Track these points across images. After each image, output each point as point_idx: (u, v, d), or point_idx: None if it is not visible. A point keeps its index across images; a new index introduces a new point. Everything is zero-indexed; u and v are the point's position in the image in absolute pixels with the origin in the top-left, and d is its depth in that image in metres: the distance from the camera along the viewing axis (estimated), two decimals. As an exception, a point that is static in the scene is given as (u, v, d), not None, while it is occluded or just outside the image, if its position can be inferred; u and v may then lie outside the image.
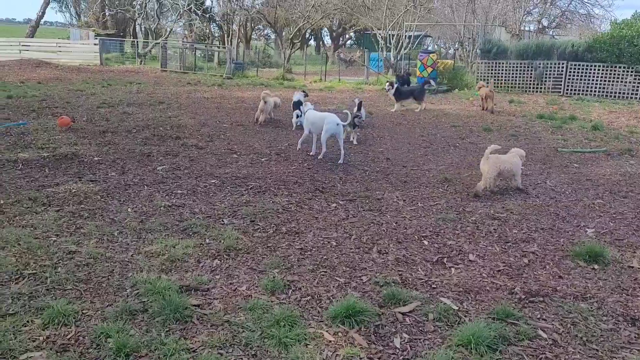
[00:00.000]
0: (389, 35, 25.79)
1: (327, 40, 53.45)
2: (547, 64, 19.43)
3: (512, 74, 20.19)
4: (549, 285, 4.36)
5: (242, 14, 29.78)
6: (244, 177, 7.49)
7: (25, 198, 5.98)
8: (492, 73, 20.57)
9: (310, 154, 8.96)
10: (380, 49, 26.18)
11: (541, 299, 4.12)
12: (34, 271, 4.21)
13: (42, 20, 38.16)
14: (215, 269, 4.43)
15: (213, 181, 7.19)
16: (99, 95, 15.56)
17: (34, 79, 19.33)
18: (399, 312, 3.81)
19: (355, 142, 10.08)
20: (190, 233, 5.20)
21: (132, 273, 4.25)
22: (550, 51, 19.48)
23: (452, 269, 4.63)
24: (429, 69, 20.55)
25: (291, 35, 27.93)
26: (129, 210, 5.80)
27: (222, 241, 4.96)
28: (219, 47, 32.46)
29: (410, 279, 4.39)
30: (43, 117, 11.50)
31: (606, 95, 18.47)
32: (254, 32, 43.67)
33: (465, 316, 3.81)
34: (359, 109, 11.44)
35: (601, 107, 16.24)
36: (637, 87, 18.11)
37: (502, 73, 20.40)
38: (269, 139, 10.37)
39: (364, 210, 6.15)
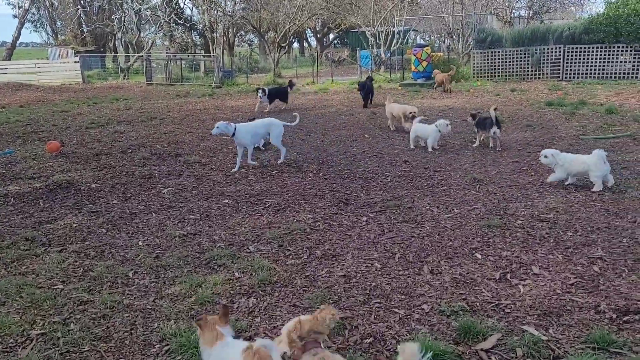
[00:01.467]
0: (378, 31, 25.27)
1: (312, 41, 53.00)
2: (544, 49, 19.00)
3: (509, 62, 19.75)
4: (635, 298, 3.81)
5: (226, 20, 29.09)
6: (258, 193, 6.89)
7: (21, 238, 5.33)
8: (488, 62, 20.12)
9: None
10: (370, 46, 25.66)
11: (635, 316, 3.56)
12: (43, 331, 3.58)
13: (17, 42, 37.19)
14: (253, 310, 3.82)
15: (226, 201, 6.58)
16: (86, 115, 14.87)
17: (15, 103, 18.56)
18: (482, 350, 3.23)
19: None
20: (215, 266, 4.59)
21: (158, 323, 3.64)
22: (545, 36, 19.07)
23: (520, 287, 4.07)
24: (424, 63, 20.07)
25: (278, 38, 27.31)
26: (140, 243, 5.18)
27: (254, 274, 4.36)
28: (204, 56, 31.79)
29: (477, 304, 3.82)
30: (30, 143, 10.81)
31: (606, 77, 18.09)
32: (236, 38, 43.02)
33: (558, 347, 3.24)
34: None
35: (605, 89, 15.82)
36: (637, 66, 17.72)
37: (498, 62, 19.95)
38: (275, 148, 9.77)
39: (398, 223, 5.57)
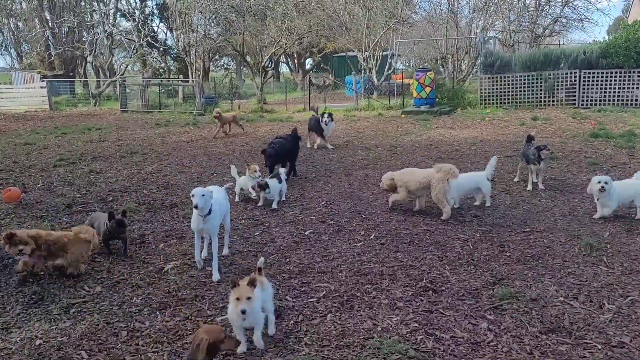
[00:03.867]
0: (371, 55, 23.77)
1: (284, 67, 51.42)
2: (558, 74, 17.66)
3: (520, 88, 18.32)
4: None
5: (208, 43, 27.22)
6: (300, 271, 4.94)
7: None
8: (497, 88, 18.67)
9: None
10: (362, 71, 24.09)
11: None
12: None
13: (-21, 66, 34.53)
14: None
15: (259, 287, 4.60)
16: (53, 149, 12.66)
17: (-29, 134, 16.18)
18: None
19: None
20: None
21: None
22: (559, 60, 17.75)
23: None
24: (428, 89, 18.48)
25: (263, 63, 25.57)
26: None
27: None
28: (182, 81, 29.78)
29: None
30: (-18, 188, 8.61)
31: (626, 104, 16.79)
32: (211, 63, 41.11)
33: None
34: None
35: (638, 118, 14.43)
36: (660, 92, 16.52)
37: (508, 88, 18.51)
38: (295, 195, 7.83)
39: (540, 333, 3.68)
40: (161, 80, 27.95)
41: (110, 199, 7.89)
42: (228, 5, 25.76)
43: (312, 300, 4.35)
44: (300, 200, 7.50)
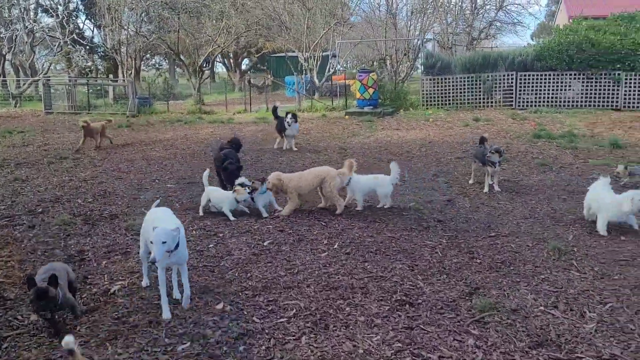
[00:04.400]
0: (312, 56, 23.50)
1: (222, 66, 50.24)
2: (496, 76, 18.10)
3: (460, 89, 18.64)
4: None
5: (140, 41, 25.96)
6: (264, 287, 4.55)
7: None
8: (438, 90, 18.91)
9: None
10: (304, 71, 23.78)
11: None
12: None
13: None
14: None
15: (219, 305, 4.18)
16: (-29, 155, 11.52)
17: None
18: None
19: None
20: None
21: None
22: (497, 62, 18.19)
23: None
24: (371, 90, 18.44)
25: (200, 62, 24.67)
26: None
27: None
28: (113, 81, 28.32)
29: None
30: None
31: (559, 105, 17.45)
32: (142, 62, 39.46)
33: None
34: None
35: (573, 118, 14.97)
36: (590, 93, 17.26)
37: (448, 89, 18.78)
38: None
39: (530, 348, 3.48)
40: (88, 80, 26.37)
41: (40, 210, 7.15)
42: (161, 1, 24.71)
43: (282, 320, 3.97)
44: (255, 209, 7.06)
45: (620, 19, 17.60)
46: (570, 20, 21.94)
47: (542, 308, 4.01)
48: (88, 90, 23.85)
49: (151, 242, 3.81)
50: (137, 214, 6.89)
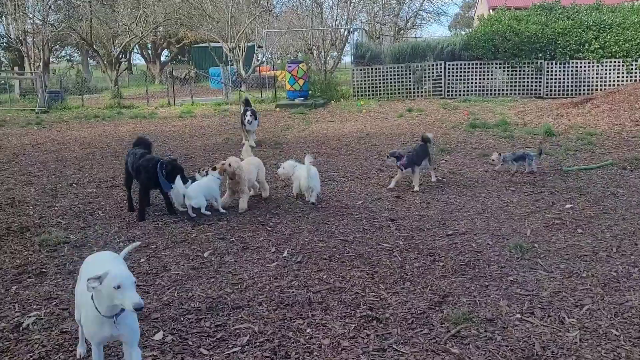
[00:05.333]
0: (238, 46, 22.67)
1: (139, 57, 47.73)
2: (425, 65, 18.17)
3: (390, 79, 18.57)
4: None
5: (48, 30, 23.93)
6: (209, 307, 3.98)
7: None
8: (368, 80, 18.74)
9: None
10: (230, 63, 22.90)
11: None
12: None
13: None
14: None
15: (158, 337, 3.56)
16: None
17: None
18: None
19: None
20: None
21: None
22: (425, 52, 18.26)
23: None
24: (301, 81, 17.98)
25: (116, 53, 23.10)
26: None
27: None
28: (18, 74, 26.00)
29: None
30: None
31: (486, 94, 17.82)
32: (51, 54, 36.64)
33: None
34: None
35: (503, 107, 15.23)
36: (514, 82, 17.72)
37: (379, 79, 18.66)
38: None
39: (515, 364, 3.15)
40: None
41: None
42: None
43: (234, 350, 3.41)
44: (185, 213, 6.38)
45: (541, 9, 18.16)
46: (491, 11, 22.49)
47: (518, 316, 3.71)
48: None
49: (117, 288, 2.63)
50: (53, 225, 6.05)
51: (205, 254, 5.08)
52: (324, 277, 4.48)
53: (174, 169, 6.17)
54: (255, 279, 4.49)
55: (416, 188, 6.96)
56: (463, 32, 20.11)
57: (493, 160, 7.92)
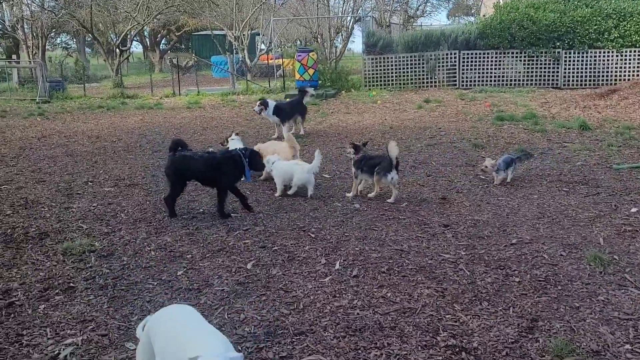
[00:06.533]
0: (242, 35, 22.04)
1: (138, 44, 46.76)
2: (439, 55, 17.63)
3: (403, 69, 18.02)
4: None
5: (47, 17, 23.18)
6: (267, 333, 3.51)
7: None
8: (380, 69, 18.19)
9: None
10: (234, 51, 22.28)
11: None
12: None
13: None
14: None
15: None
16: None
17: None
18: None
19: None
20: None
21: None
22: (439, 41, 17.71)
23: None
24: (311, 71, 17.40)
25: (118, 41, 22.42)
26: None
27: None
28: (17, 62, 25.27)
29: None
30: None
31: (502, 84, 17.31)
32: (47, 42, 35.77)
33: None
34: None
35: (522, 98, 14.73)
36: (532, 72, 17.22)
37: (391, 69, 18.11)
38: (209, 207, 6.19)
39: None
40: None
41: (-57, 231, 5.59)
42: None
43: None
44: (217, 216, 5.89)
45: (559, -4, 17.63)
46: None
47: (628, 347, 3.26)
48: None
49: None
50: (74, 230, 5.56)
51: (249, 266, 4.61)
52: (388, 294, 4.02)
53: (253, 156, 6.01)
54: (311, 297, 4.03)
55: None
56: (464, 21, 19.40)
57: (486, 167, 6.75)
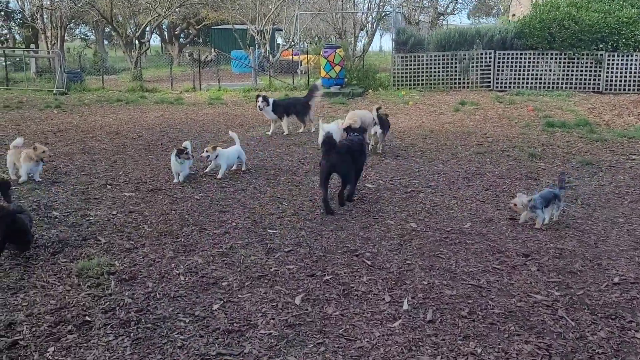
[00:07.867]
0: (265, 29, 21.29)
1: (157, 37, 46.26)
2: (473, 54, 16.72)
3: (434, 68, 17.14)
4: None
5: (67, 6, 22.62)
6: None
7: None
8: (410, 68, 17.33)
9: None
10: (257, 46, 21.54)
11: None
12: None
13: None
14: None
15: None
16: None
17: None
18: None
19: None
20: None
21: None
22: (473, 40, 16.79)
23: None
24: (337, 68, 16.60)
25: (138, 33, 21.79)
26: None
27: None
28: (35, 52, 24.75)
29: None
30: None
31: (539, 87, 16.38)
32: (66, 32, 35.32)
33: None
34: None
35: (562, 102, 13.81)
36: (571, 75, 16.26)
37: (422, 68, 17.24)
38: (243, 220, 5.42)
39: None
40: (4, 51, 22.77)
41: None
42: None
43: None
44: (253, 232, 5.13)
45: (604, -5, 16.63)
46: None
47: None
48: (5, 62, 20.50)
49: None
50: (91, 245, 4.84)
51: (297, 300, 3.85)
52: (478, 350, 3.23)
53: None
54: (381, 350, 3.24)
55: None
56: (484, 21, 18.46)
57: (515, 205, 5.24)
